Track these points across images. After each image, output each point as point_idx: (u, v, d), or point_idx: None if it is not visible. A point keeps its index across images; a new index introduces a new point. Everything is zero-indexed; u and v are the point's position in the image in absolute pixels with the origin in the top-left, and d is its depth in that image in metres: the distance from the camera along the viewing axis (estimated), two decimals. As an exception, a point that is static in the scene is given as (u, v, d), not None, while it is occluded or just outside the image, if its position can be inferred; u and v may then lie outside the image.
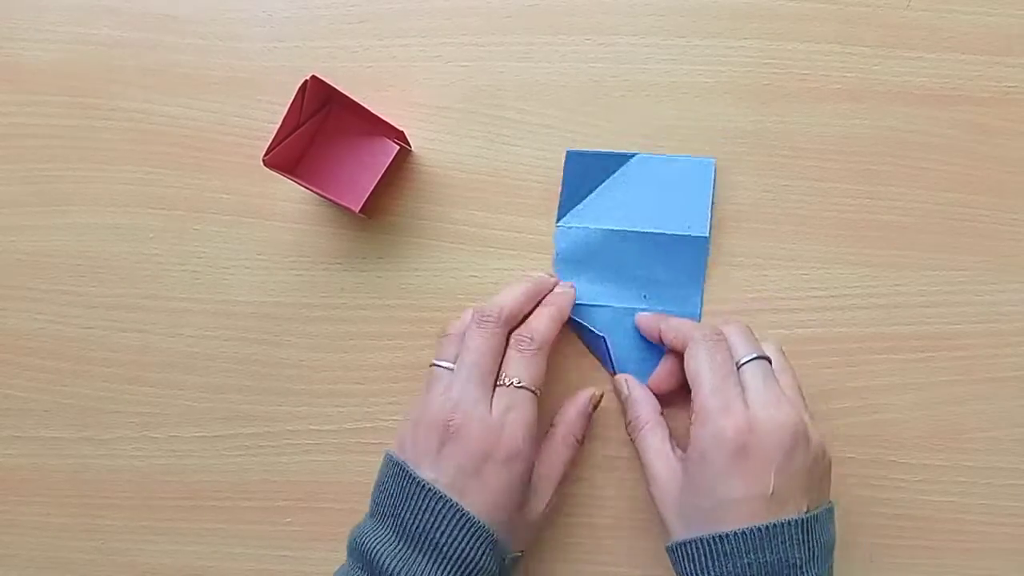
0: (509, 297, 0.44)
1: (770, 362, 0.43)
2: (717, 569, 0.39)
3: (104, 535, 0.50)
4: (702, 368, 0.42)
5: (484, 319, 0.43)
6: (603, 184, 0.49)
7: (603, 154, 0.49)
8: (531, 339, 0.43)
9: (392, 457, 0.42)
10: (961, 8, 0.49)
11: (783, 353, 0.45)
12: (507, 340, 0.43)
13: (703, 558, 0.39)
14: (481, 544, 0.40)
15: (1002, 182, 0.49)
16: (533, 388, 0.42)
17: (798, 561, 0.38)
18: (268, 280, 0.50)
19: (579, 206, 0.48)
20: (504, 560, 0.41)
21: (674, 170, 0.48)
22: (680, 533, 0.41)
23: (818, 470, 0.41)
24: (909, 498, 0.48)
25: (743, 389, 0.41)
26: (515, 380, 0.42)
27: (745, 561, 0.38)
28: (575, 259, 0.48)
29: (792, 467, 0.39)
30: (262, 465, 0.49)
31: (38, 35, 0.51)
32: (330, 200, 0.45)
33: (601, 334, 0.48)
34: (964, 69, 0.49)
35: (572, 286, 0.48)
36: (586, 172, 0.49)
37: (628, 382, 0.47)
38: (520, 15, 0.50)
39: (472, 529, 0.40)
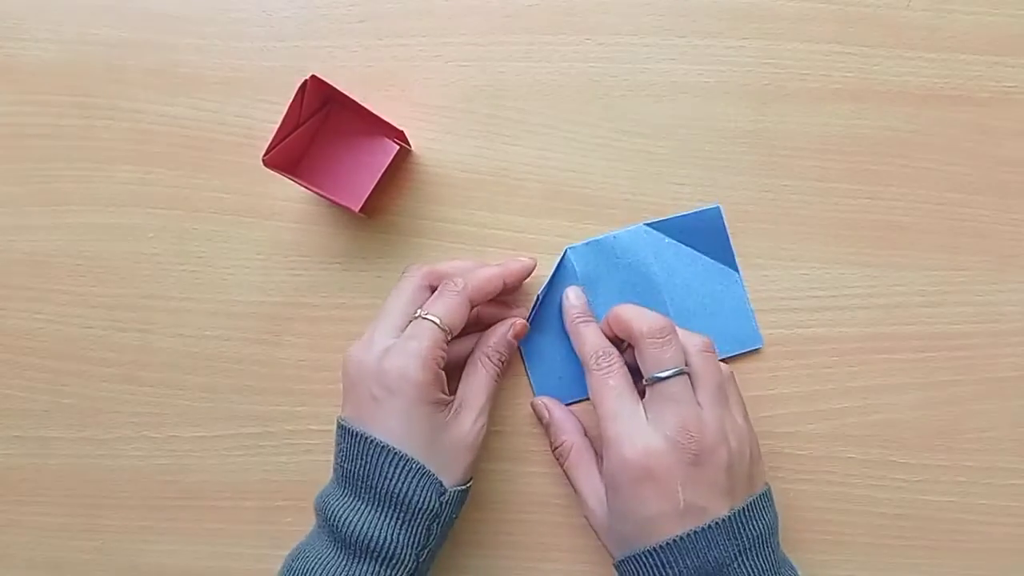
0: (449, 264, 0.46)
1: (687, 375, 0.42)
2: (670, 573, 0.39)
3: (104, 535, 0.50)
4: (597, 396, 0.43)
5: (407, 270, 0.46)
6: (614, 266, 0.48)
7: (603, 240, 0.48)
8: (457, 283, 0.44)
9: (338, 420, 0.44)
10: (961, 8, 0.49)
11: (707, 346, 0.43)
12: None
13: (655, 566, 0.40)
14: (407, 471, 0.40)
15: (1002, 182, 0.49)
16: (438, 321, 0.42)
17: (727, 558, 0.39)
18: (268, 280, 0.50)
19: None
20: (443, 494, 0.41)
21: (685, 225, 0.48)
22: (617, 553, 0.42)
23: (740, 468, 0.41)
24: (909, 498, 0.48)
25: (647, 407, 0.41)
26: (425, 312, 0.43)
27: (677, 569, 0.39)
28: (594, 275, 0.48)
29: (703, 477, 0.40)
30: (262, 465, 0.49)
31: (38, 35, 0.51)
32: (330, 200, 0.45)
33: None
34: (964, 69, 0.49)
35: (533, 260, 0.47)
36: (594, 263, 0.48)
37: (547, 405, 0.47)
38: (520, 15, 0.50)
39: (387, 455, 0.40)
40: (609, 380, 0.43)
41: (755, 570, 0.40)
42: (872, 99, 0.49)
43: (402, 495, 0.40)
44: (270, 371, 0.49)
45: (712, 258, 0.48)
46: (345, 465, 0.42)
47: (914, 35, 0.49)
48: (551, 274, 0.48)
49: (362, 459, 0.41)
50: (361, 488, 0.41)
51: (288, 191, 0.49)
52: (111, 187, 0.50)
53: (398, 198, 0.50)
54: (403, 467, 0.41)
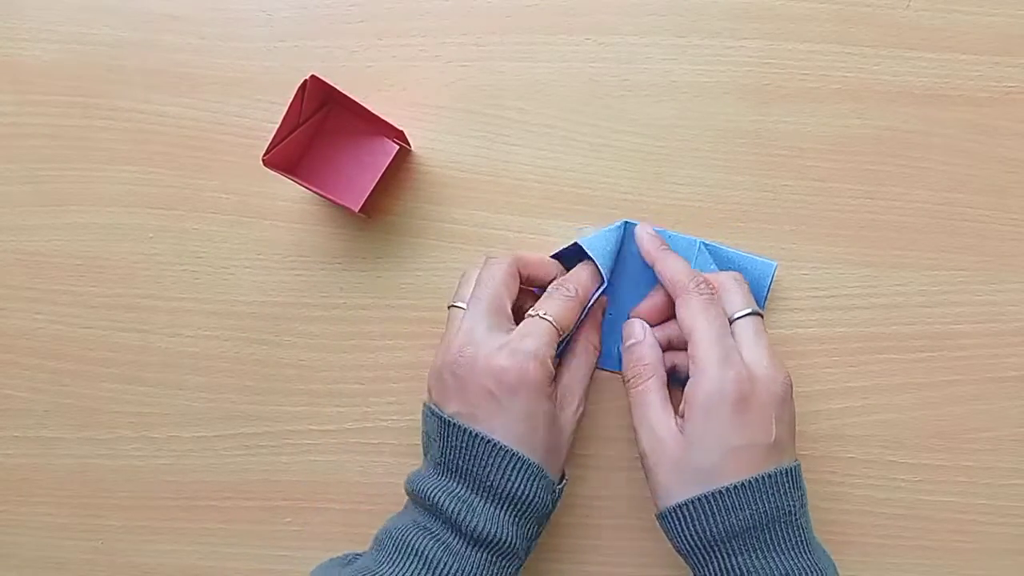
0: (531, 255, 0.46)
1: (762, 317, 0.43)
2: (714, 527, 0.39)
3: (104, 535, 0.50)
4: (697, 320, 0.41)
5: (494, 256, 0.44)
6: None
7: (662, 232, 0.48)
8: (575, 288, 0.44)
9: (424, 404, 0.43)
10: (961, 8, 0.49)
11: (761, 320, 0.44)
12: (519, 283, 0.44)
13: (702, 518, 0.39)
14: (522, 470, 0.40)
15: (1002, 182, 0.49)
16: (554, 322, 0.42)
17: (793, 508, 0.39)
18: (268, 280, 0.50)
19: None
20: (554, 492, 0.42)
21: (734, 263, 0.48)
22: (676, 495, 0.40)
23: (795, 425, 0.42)
24: (909, 498, 0.48)
25: (736, 341, 0.42)
26: (541, 312, 0.42)
27: (746, 513, 0.39)
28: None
29: (786, 417, 0.41)
30: (262, 465, 0.49)
31: (38, 35, 0.50)
32: (330, 200, 0.45)
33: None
34: (964, 69, 0.49)
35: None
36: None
37: (645, 328, 0.45)
38: (520, 15, 0.50)
39: (505, 458, 0.40)
40: (711, 307, 0.42)
41: (808, 525, 0.40)
42: (872, 99, 0.49)
43: (521, 496, 0.40)
44: (270, 371, 0.49)
45: None
46: (458, 462, 0.41)
47: (914, 35, 0.49)
48: (605, 232, 0.47)
49: (480, 460, 0.40)
50: (478, 485, 0.40)
51: (288, 191, 0.49)
52: (111, 187, 0.50)
53: (398, 198, 0.50)
54: (524, 471, 0.40)
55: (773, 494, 0.39)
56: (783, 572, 0.38)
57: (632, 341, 0.45)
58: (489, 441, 0.40)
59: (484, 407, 0.40)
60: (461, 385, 0.41)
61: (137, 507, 0.50)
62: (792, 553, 0.39)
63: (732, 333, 0.42)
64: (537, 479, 0.41)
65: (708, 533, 0.39)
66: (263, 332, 0.49)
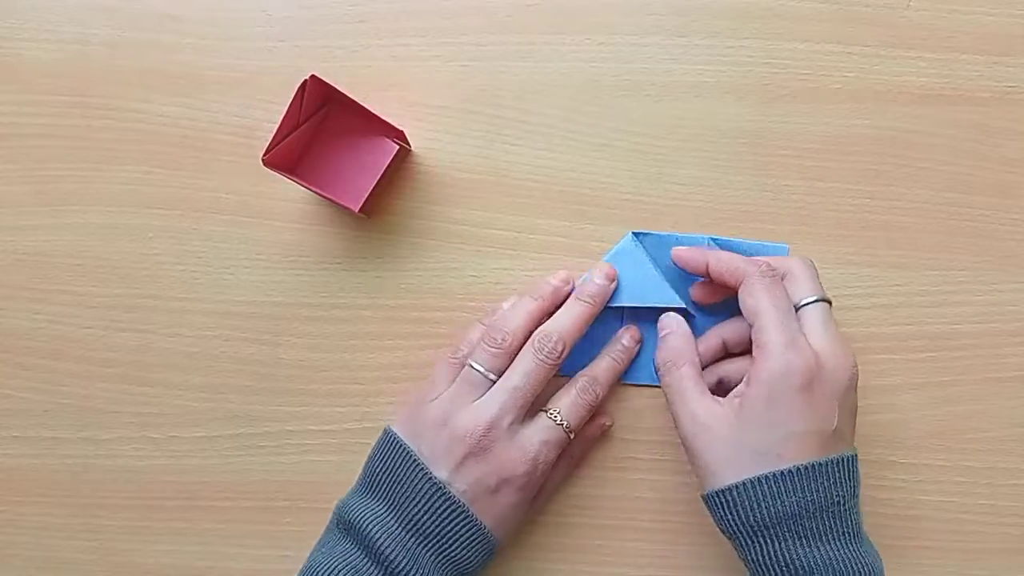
0: (573, 329, 0.44)
1: (830, 304, 0.42)
2: (765, 511, 0.39)
3: (104, 535, 0.50)
4: (762, 303, 0.41)
5: (548, 353, 0.43)
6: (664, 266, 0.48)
7: (665, 237, 0.48)
8: (596, 396, 0.45)
9: (402, 444, 0.43)
10: (961, 8, 0.49)
11: (829, 309, 0.43)
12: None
13: (752, 500, 0.39)
14: (484, 551, 0.43)
15: (1002, 182, 0.49)
16: (572, 435, 0.44)
17: (842, 498, 0.39)
18: (268, 280, 0.50)
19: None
20: (491, 558, 0.44)
21: (745, 253, 0.47)
22: (725, 477, 0.40)
23: (856, 412, 0.42)
24: (909, 498, 0.48)
25: (802, 327, 0.41)
26: (565, 423, 0.44)
27: (796, 499, 0.38)
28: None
29: (849, 405, 0.40)
30: (262, 465, 0.49)
31: (38, 35, 0.50)
32: (330, 200, 0.45)
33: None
34: (964, 69, 0.49)
35: (637, 339, 0.47)
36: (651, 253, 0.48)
37: (679, 320, 0.46)
38: (520, 15, 0.50)
39: (482, 540, 0.42)
40: (776, 290, 0.41)
41: (858, 517, 0.40)
42: (872, 99, 0.49)
43: (469, 565, 0.42)
44: (270, 371, 0.49)
45: None
46: (420, 517, 0.42)
47: (914, 35, 0.49)
48: (609, 252, 0.48)
49: (445, 525, 0.42)
50: (430, 542, 0.42)
51: (288, 191, 0.49)
52: (111, 187, 0.50)
53: (398, 198, 0.50)
54: (483, 546, 0.43)
55: (826, 482, 0.38)
56: (827, 561, 0.38)
57: (666, 332, 0.45)
58: (475, 525, 0.42)
59: (479, 491, 0.42)
60: (467, 464, 0.42)
61: (137, 507, 0.50)
62: (838, 543, 0.39)
63: (799, 319, 0.41)
64: (487, 553, 0.43)
65: (755, 516, 0.39)
66: (263, 332, 0.49)
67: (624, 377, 0.48)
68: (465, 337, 0.46)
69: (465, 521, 0.42)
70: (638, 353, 0.48)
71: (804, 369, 0.39)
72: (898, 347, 0.48)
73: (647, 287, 0.47)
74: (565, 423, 0.44)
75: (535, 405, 0.44)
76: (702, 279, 0.47)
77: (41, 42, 0.50)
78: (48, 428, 0.50)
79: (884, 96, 0.49)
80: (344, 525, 0.43)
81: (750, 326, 0.41)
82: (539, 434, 0.43)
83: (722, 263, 0.44)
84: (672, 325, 0.45)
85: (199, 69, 0.50)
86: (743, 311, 0.42)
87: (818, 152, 0.49)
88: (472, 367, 0.44)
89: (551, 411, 0.44)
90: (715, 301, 0.47)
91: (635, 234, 0.48)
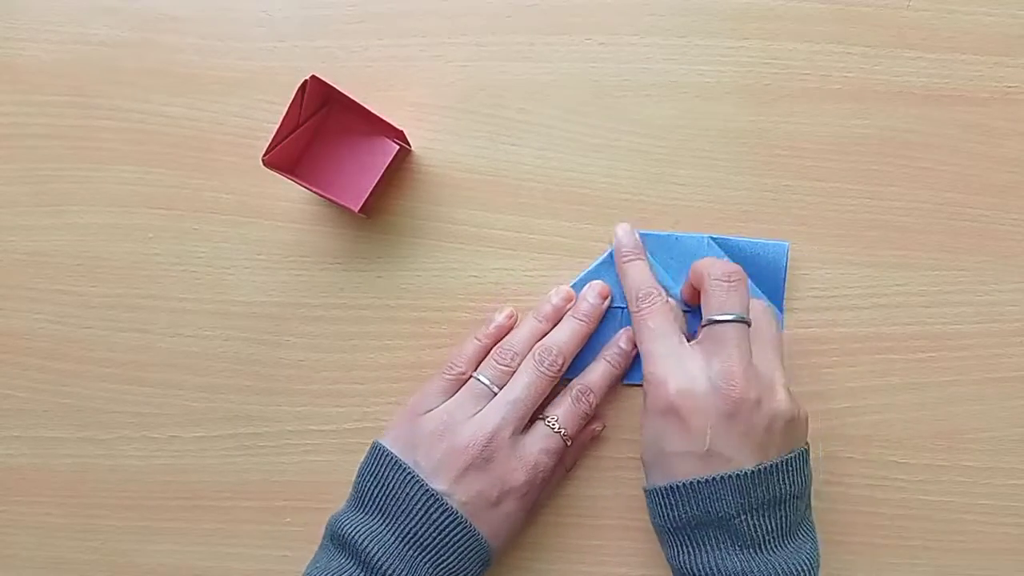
0: (570, 344, 0.46)
1: (748, 324, 0.42)
2: (675, 513, 0.41)
3: (104, 535, 0.50)
4: (638, 334, 0.44)
5: (548, 366, 0.45)
6: (665, 265, 0.48)
7: (665, 237, 0.48)
8: (591, 404, 0.45)
9: (395, 458, 0.43)
10: (961, 8, 0.49)
11: (772, 309, 0.45)
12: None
13: (663, 504, 0.42)
14: (481, 563, 0.43)
15: (1002, 182, 0.49)
16: (568, 440, 0.45)
17: (731, 513, 0.40)
18: (268, 280, 0.50)
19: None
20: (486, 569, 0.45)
21: (746, 251, 0.48)
22: (648, 480, 0.43)
23: (778, 428, 0.41)
24: (909, 498, 0.48)
25: (694, 348, 0.42)
26: (562, 431, 0.44)
27: (678, 512, 0.41)
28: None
29: (735, 427, 0.40)
30: (262, 465, 0.49)
31: (38, 35, 0.50)
32: (330, 200, 0.45)
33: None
34: (964, 69, 0.49)
35: (631, 337, 0.47)
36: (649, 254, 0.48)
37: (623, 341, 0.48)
38: (520, 15, 0.50)
39: (480, 551, 0.42)
40: (648, 322, 0.44)
41: (759, 530, 0.40)
42: (872, 99, 0.49)
43: (462, 573, 0.42)
44: (270, 371, 0.49)
45: (762, 290, 0.48)
46: (417, 529, 0.42)
47: (914, 35, 0.49)
48: (605, 253, 0.48)
49: (443, 537, 0.42)
50: (428, 554, 0.42)
51: (288, 191, 0.49)
52: (111, 187, 0.50)
53: (398, 198, 0.50)
54: (479, 557, 0.43)
55: (704, 499, 0.40)
56: (710, 570, 0.40)
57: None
58: (474, 537, 0.42)
59: (479, 502, 0.42)
60: (468, 476, 0.42)
61: (137, 507, 0.50)
62: (728, 552, 0.40)
63: (699, 338, 0.42)
64: (486, 563, 0.43)
65: (656, 519, 0.42)
66: (263, 332, 0.49)
67: (624, 378, 0.48)
68: (460, 352, 0.46)
69: (464, 532, 0.42)
70: (636, 355, 0.48)
71: (668, 397, 0.41)
72: (898, 347, 0.48)
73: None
74: (563, 430, 0.44)
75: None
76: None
77: (41, 42, 0.50)
78: (48, 428, 0.50)
79: (884, 96, 0.49)
80: (338, 540, 0.43)
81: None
82: (538, 443, 0.44)
83: (623, 281, 0.46)
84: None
85: (199, 69, 0.50)
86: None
87: (818, 152, 0.49)
88: (479, 380, 0.45)
89: (548, 419, 0.44)
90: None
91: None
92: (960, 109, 0.49)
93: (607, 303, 0.47)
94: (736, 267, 0.43)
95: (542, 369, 0.44)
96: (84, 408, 0.50)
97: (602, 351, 0.47)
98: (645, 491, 0.43)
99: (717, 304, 0.42)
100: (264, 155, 0.43)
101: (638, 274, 0.46)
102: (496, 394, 0.44)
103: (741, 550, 0.40)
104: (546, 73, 0.49)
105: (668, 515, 0.41)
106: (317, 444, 0.49)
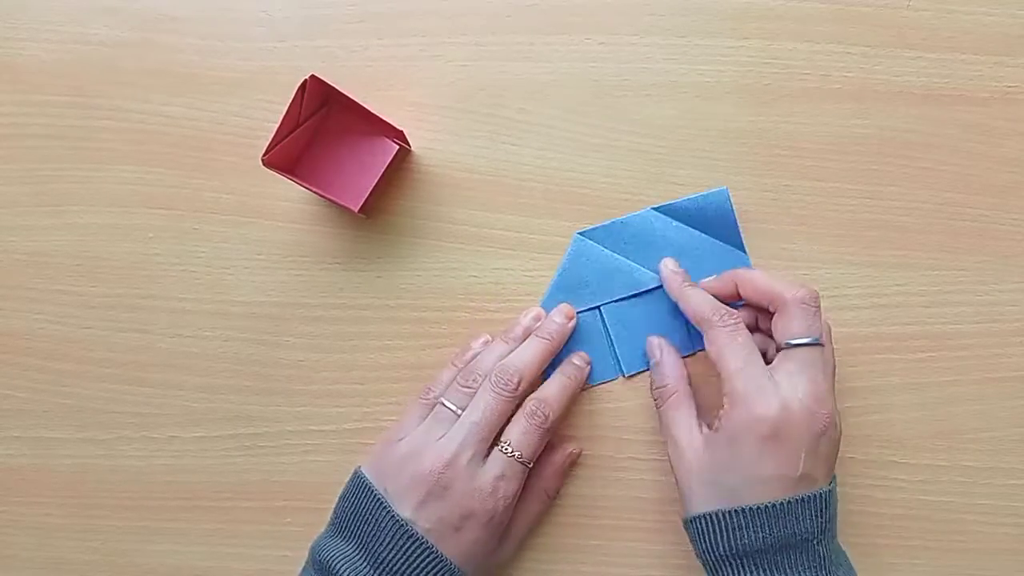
0: (532, 364, 0.45)
1: (822, 347, 0.42)
2: (734, 541, 0.40)
3: (104, 535, 0.50)
4: (723, 354, 0.42)
5: (503, 386, 0.44)
6: (623, 251, 0.48)
7: (611, 225, 0.48)
8: (546, 417, 0.44)
9: (369, 485, 0.44)
10: (961, 8, 0.49)
11: (830, 331, 0.44)
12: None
13: (717, 531, 0.40)
14: None
15: (1002, 182, 0.49)
16: (529, 463, 0.44)
17: (811, 534, 0.40)
18: (268, 280, 0.50)
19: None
20: None
21: (691, 209, 0.48)
22: (696, 506, 0.42)
23: (835, 450, 0.42)
24: (909, 498, 0.48)
25: (776, 371, 0.41)
26: (516, 454, 0.43)
27: (761, 535, 0.39)
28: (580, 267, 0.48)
29: (822, 449, 0.41)
30: (262, 465, 0.49)
31: (38, 35, 0.50)
32: (329, 200, 0.45)
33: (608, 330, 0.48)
34: (964, 69, 0.49)
35: (588, 360, 0.47)
36: (596, 251, 0.48)
37: (661, 346, 0.47)
38: (520, 15, 0.50)
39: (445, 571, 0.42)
40: (738, 337, 0.42)
41: (828, 550, 0.40)
42: (872, 99, 0.49)
43: None
44: (270, 371, 0.49)
45: (721, 241, 0.48)
46: (387, 556, 0.42)
47: (914, 35, 0.49)
48: (563, 260, 0.48)
49: (411, 562, 0.41)
50: None
51: (288, 191, 0.49)
52: (111, 187, 0.50)
53: (398, 198, 0.50)
54: None
55: (791, 520, 0.39)
56: None
57: (653, 361, 0.47)
58: (442, 562, 0.42)
59: (442, 528, 0.42)
60: (429, 503, 0.42)
61: (137, 507, 0.50)
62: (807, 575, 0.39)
63: (778, 361, 0.42)
64: None
65: (722, 547, 0.40)
66: (263, 332, 0.49)
67: (624, 368, 0.48)
68: (438, 379, 0.47)
69: (431, 558, 0.41)
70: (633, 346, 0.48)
71: (767, 421, 0.40)
72: (898, 347, 0.48)
73: (615, 279, 0.47)
74: (517, 453, 0.43)
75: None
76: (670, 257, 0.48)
77: (41, 42, 0.50)
78: (48, 428, 0.50)
79: (884, 96, 0.49)
80: (317, 565, 0.43)
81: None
82: (493, 469, 0.43)
83: (688, 307, 0.45)
84: (656, 352, 0.47)
85: (199, 69, 0.50)
86: (710, 357, 0.43)
87: (818, 152, 0.49)
88: (444, 405, 0.44)
89: (503, 444, 0.44)
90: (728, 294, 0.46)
91: (580, 233, 0.48)
92: (960, 109, 0.49)
93: (573, 324, 0.47)
94: (816, 291, 0.43)
95: (497, 390, 0.43)
96: (84, 408, 0.50)
97: (559, 367, 0.47)
98: (700, 517, 0.41)
99: (803, 328, 0.42)
100: (264, 155, 0.43)
101: (701, 296, 0.45)
102: (457, 416, 0.44)
103: (817, 571, 0.40)
104: (546, 73, 0.49)
105: (744, 538, 0.40)
106: (317, 444, 0.49)
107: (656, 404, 0.46)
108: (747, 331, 0.43)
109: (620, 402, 0.48)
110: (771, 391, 0.40)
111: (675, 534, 0.48)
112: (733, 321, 0.43)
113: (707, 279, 0.47)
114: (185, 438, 0.50)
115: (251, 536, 0.49)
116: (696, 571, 0.48)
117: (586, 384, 0.48)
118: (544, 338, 0.46)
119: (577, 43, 0.49)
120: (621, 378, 0.48)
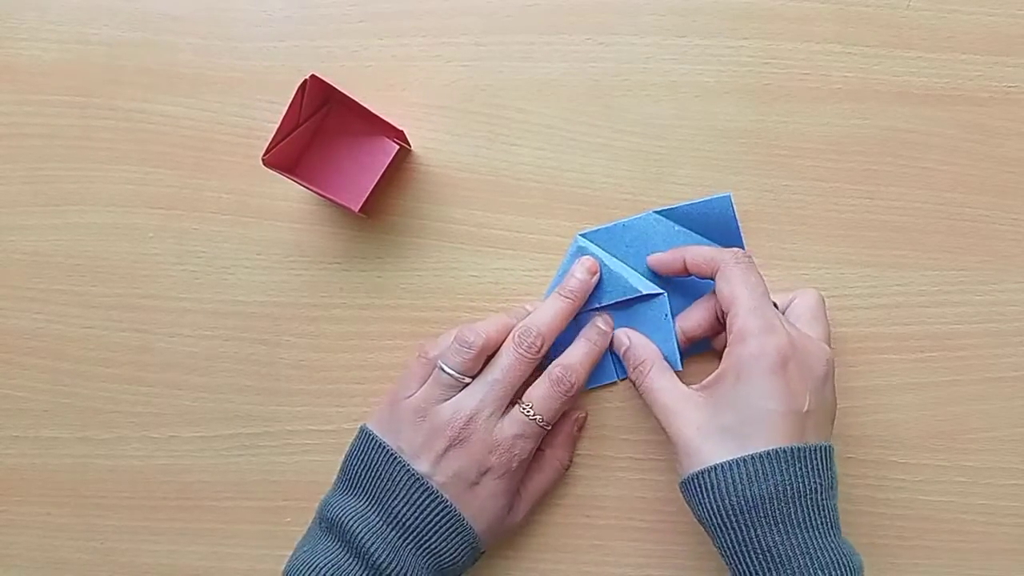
0: (553, 325, 0.45)
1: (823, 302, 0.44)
2: (739, 494, 0.38)
3: (104, 535, 0.50)
4: (737, 289, 0.41)
5: (526, 348, 0.44)
6: (624, 254, 0.48)
7: (612, 228, 0.48)
8: (572, 385, 0.44)
9: (380, 441, 0.44)
10: (961, 8, 0.49)
11: (823, 304, 0.45)
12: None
13: (731, 478, 0.38)
14: (465, 547, 0.43)
15: (1002, 182, 0.49)
16: (548, 427, 0.44)
17: (819, 486, 0.39)
18: (268, 280, 0.50)
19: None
20: (475, 559, 0.45)
21: (694, 214, 0.48)
22: (698, 461, 0.40)
23: (833, 406, 0.42)
24: (909, 498, 0.48)
25: (783, 313, 0.42)
26: (537, 417, 0.44)
27: (771, 482, 0.38)
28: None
29: (823, 394, 0.41)
30: (262, 465, 0.49)
31: (38, 35, 0.50)
32: (330, 200, 0.45)
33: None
34: (964, 69, 0.49)
35: (611, 324, 0.47)
36: (604, 250, 0.48)
37: (628, 334, 0.47)
38: (520, 15, 0.50)
39: (462, 533, 0.43)
40: (751, 276, 0.42)
41: (834, 511, 0.40)
42: (872, 99, 0.49)
43: (452, 559, 0.43)
44: (270, 371, 0.49)
45: (722, 244, 0.48)
46: (401, 510, 0.42)
47: (914, 35, 0.49)
48: (564, 260, 0.48)
49: (425, 516, 0.42)
50: (412, 535, 0.42)
51: (288, 191, 0.49)
52: (111, 187, 0.50)
53: (398, 198, 0.50)
54: (463, 540, 0.43)
55: (802, 468, 0.38)
56: (805, 549, 0.37)
57: (623, 348, 0.46)
58: (455, 517, 0.42)
59: (459, 482, 0.43)
60: (448, 456, 0.43)
61: (137, 507, 0.50)
62: (818, 532, 0.38)
63: (787, 308, 0.44)
64: (471, 551, 0.43)
65: (730, 500, 0.38)
66: (263, 332, 0.49)
67: (618, 373, 0.48)
68: (436, 339, 0.46)
69: (445, 512, 0.42)
70: (609, 353, 0.48)
71: (776, 350, 0.39)
72: (898, 347, 0.48)
73: (614, 283, 0.47)
74: (538, 417, 0.44)
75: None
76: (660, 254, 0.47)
77: (41, 42, 0.50)
78: (48, 428, 0.50)
79: (884, 96, 0.49)
80: (326, 523, 0.43)
81: (723, 313, 0.42)
82: (513, 428, 0.43)
83: (698, 256, 0.44)
84: (624, 340, 0.46)
85: (199, 69, 0.50)
86: (719, 299, 0.42)
87: (818, 152, 0.49)
88: (442, 369, 0.44)
89: (523, 405, 0.44)
90: (673, 272, 0.46)
91: (582, 235, 0.48)
92: (960, 109, 0.49)
93: (595, 279, 0.46)
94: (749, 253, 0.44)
95: (520, 351, 0.44)
96: (84, 408, 0.50)
97: (581, 332, 0.47)
98: (700, 473, 0.39)
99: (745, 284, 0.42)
100: (264, 155, 0.43)
101: (701, 247, 0.46)
102: (459, 382, 0.44)
103: (828, 530, 0.39)
104: (546, 73, 0.49)
105: (752, 488, 0.38)
106: (317, 444, 0.49)
107: (636, 384, 0.45)
108: (760, 274, 0.42)
109: (620, 402, 0.49)
110: (780, 326, 0.40)
111: (675, 534, 0.48)
112: (747, 259, 0.43)
113: (655, 254, 0.47)
114: (185, 438, 0.50)
115: (251, 536, 0.49)
116: (696, 571, 0.48)
117: (584, 388, 0.48)
118: (566, 297, 0.45)
119: (577, 43, 0.49)
120: (619, 381, 0.48)
